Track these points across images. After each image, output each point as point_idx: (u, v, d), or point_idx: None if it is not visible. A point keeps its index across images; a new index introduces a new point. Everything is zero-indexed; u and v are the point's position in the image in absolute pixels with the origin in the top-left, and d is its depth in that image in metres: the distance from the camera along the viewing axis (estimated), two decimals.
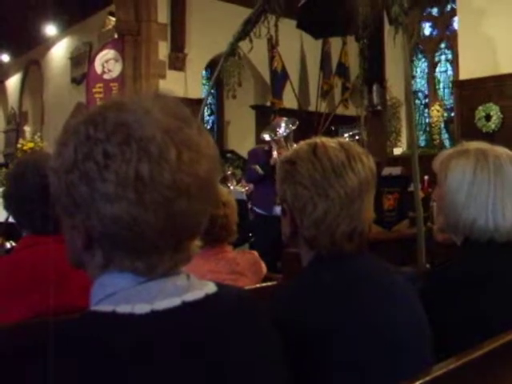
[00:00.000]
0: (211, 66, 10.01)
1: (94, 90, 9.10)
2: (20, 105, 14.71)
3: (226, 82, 4.99)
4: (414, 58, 11.00)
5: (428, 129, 10.83)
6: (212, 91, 10.63)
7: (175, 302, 0.77)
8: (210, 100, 10.99)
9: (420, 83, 11.26)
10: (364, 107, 8.96)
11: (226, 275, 2.13)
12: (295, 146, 1.28)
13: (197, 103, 7.37)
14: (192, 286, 0.81)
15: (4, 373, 0.68)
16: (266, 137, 5.31)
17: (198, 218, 0.79)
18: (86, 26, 11.63)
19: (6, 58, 14.33)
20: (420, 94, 11.21)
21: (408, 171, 4.55)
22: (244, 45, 4.36)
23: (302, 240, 1.21)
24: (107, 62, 9.23)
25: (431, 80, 11.03)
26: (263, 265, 2.36)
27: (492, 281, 1.35)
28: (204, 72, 10.81)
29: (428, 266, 3.41)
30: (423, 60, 11.22)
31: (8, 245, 3.34)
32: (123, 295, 0.76)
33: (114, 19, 9.93)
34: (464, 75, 8.50)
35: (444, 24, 10.82)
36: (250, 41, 4.30)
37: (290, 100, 9.40)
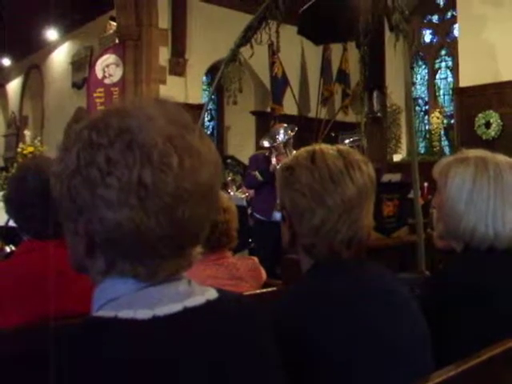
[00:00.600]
0: (211, 72, 10.04)
1: (95, 95, 9.11)
2: (20, 109, 14.73)
3: (227, 88, 4.98)
4: (415, 65, 11.04)
5: (428, 135, 10.86)
6: (212, 97, 10.64)
7: (177, 307, 0.77)
8: (210, 106, 11.00)
9: (420, 90, 11.30)
10: (364, 114, 8.97)
11: (226, 281, 2.13)
12: (294, 152, 1.28)
13: (197, 109, 7.38)
14: (193, 291, 0.81)
15: (4, 378, 0.68)
16: (266, 143, 5.35)
17: (200, 224, 0.80)
18: (87, 31, 11.67)
19: (6, 61, 14.35)
20: (420, 101, 11.25)
21: (408, 178, 4.54)
22: (245, 51, 4.36)
23: (300, 247, 1.21)
24: (108, 66, 9.25)
25: (431, 87, 11.07)
26: (263, 271, 2.37)
27: (492, 289, 1.35)
28: (204, 77, 10.84)
29: (427, 272, 3.41)
30: (423, 67, 11.26)
31: (8, 249, 3.32)
32: (125, 300, 0.76)
33: (115, 24, 9.96)
34: (464, 82, 8.53)
35: (444, 31, 10.87)
36: (251, 47, 4.30)
37: (290, 106, 9.39)
